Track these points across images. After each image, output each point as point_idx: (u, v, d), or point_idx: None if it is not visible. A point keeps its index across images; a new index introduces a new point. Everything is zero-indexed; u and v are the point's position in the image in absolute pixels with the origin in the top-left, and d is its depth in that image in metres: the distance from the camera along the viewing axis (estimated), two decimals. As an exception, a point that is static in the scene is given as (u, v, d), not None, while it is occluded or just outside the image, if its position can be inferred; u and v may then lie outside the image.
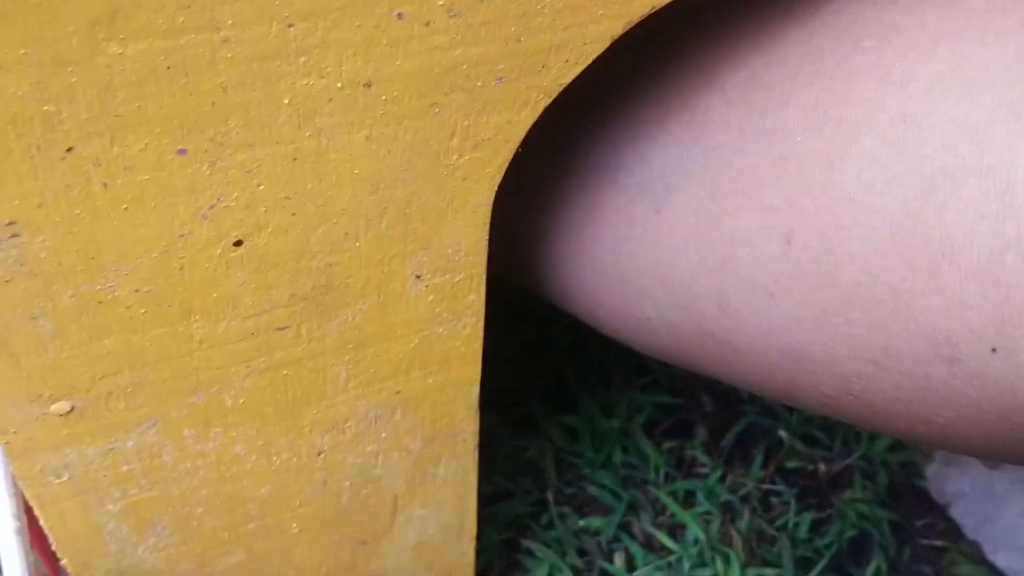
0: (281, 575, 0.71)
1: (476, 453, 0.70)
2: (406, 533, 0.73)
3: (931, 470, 1.04)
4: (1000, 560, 0.97)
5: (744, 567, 0.90)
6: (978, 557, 0.96)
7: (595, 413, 0.99)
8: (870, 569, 0.92)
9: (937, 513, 1.00)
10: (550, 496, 0.95)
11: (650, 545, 0.92)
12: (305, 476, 0.64)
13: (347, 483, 0.66)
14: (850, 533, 0.95)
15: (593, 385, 1.02)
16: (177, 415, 0.55)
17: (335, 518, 0.68)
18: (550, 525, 0.93)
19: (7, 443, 0.52)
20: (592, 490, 0.95)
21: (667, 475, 0.97)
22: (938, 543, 0.97)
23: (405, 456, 0.67)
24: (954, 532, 0.98)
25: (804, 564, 0.92)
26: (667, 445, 0.99)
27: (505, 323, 1.00)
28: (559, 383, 1.03)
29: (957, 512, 1.01)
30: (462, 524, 0.76)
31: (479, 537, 0.86)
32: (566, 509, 0.94)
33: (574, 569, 0.90)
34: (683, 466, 0.98)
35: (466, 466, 0.71)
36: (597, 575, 0.90)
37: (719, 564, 0.90)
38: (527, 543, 0.91)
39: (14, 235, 0.42)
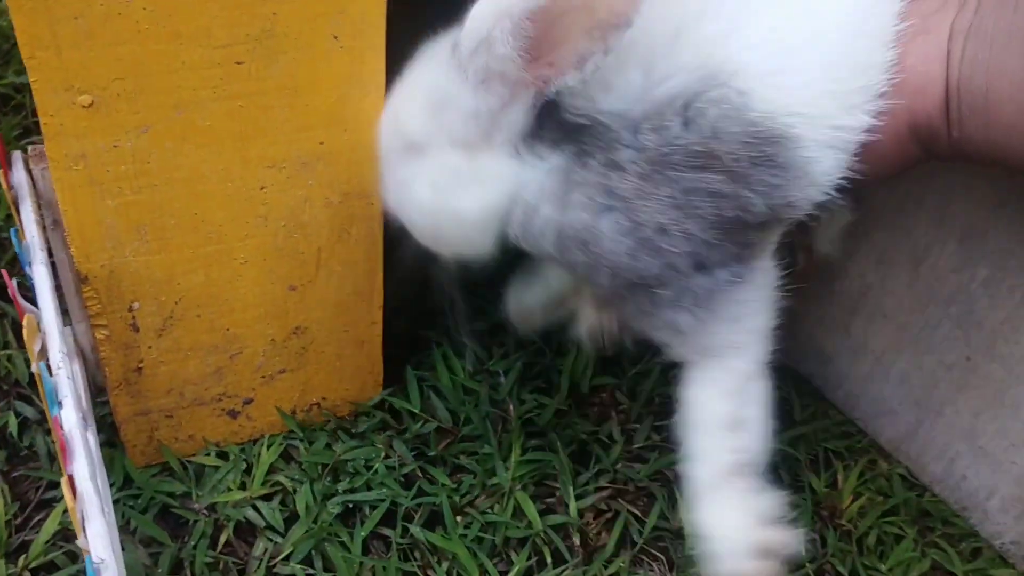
0: (228, 306, 0.93)
1: (382, 220, 0.93)
2: (327, 287, 0.96)
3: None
4: (802, 368, 1.20)
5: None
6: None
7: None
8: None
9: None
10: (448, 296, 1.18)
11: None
12: (250, 209, 0.87)
13: (282, 224, 0.89)
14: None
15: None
16: (163, 127, 0.79)
17: (272, 258, 0.91)
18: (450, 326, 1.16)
19: (46, 124, 0.75)
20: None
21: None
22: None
23: (327, 208, 0.90)
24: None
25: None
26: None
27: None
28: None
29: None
30: (371, 291, 1.00)
31: (392, 328, 1.09)
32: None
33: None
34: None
35: (374, 231, 0.94)
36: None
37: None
38: (430, 334, 1.16)
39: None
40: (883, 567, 1.06)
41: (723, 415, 0.83)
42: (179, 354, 0.95)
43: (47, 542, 0.97)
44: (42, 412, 1.07)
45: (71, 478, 0.71)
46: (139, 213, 0.83)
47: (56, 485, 1.02)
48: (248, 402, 1.02)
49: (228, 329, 0.95)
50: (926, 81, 0.76)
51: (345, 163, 0.88)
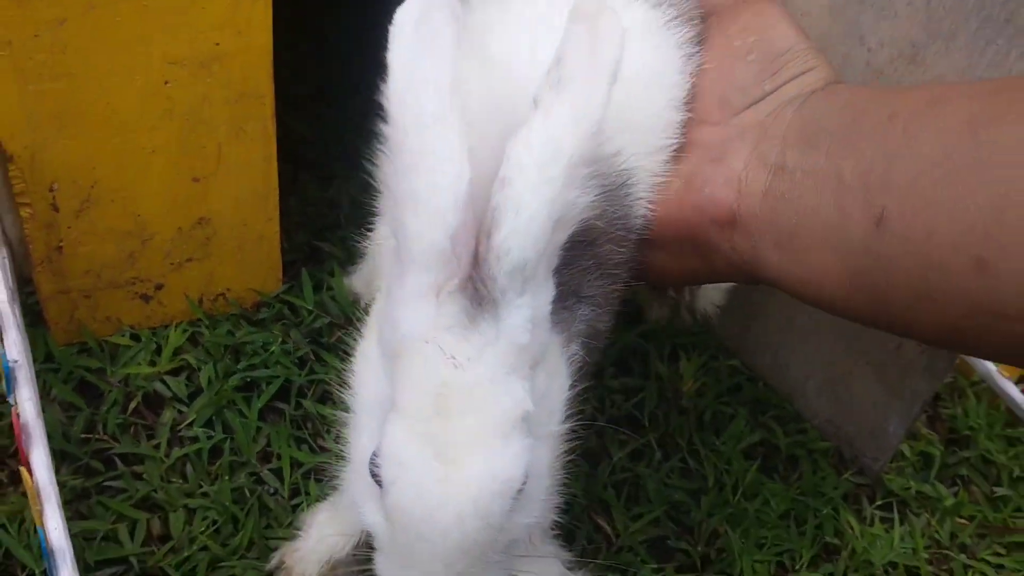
0: (139, 193, 1.07)
1: (274, 120, 1.08)
2: (227, 181, 1.10)
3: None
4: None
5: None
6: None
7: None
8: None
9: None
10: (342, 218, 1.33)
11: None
12: (156, 103, 1.01)
13: (185, 118, 1.03)
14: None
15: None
16: (78, 21, 0.92)
17: (177, 150, 1.05)
18: (344, 239, 1.30)
19: (-24, 11, 0.89)
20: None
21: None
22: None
23: (225, 106, 1.04)
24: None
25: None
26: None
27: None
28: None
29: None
30: (267, 189, 1.14)
31: (290, 239, 1.24)
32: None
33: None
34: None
35: (268, 129, 1.08)
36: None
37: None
38: (325, 246, 1.30)
39: None
40: (717, 441, 1.22)
41: None
42: (96, 236, 1.08)
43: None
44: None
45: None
46: (56, 100, 0.97)
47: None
48: (159, 287, 1.16)
49: (139, 215, 1.08)
50: (711, 203, 0.79)
51: (239, 64, 1.02)
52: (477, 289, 0.63)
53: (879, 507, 1.22)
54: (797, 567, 1.15)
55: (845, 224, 0.70)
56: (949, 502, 1.23)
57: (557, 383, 0.73)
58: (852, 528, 1.19)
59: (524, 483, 0.65)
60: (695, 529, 1.16)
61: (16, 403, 0.82)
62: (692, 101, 0.83)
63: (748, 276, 0.80)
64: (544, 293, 0.67)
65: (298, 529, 1.02)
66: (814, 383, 1.21)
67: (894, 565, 1.17)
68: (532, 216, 0.61)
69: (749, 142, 0.78)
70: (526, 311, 0.64)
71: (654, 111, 0.82)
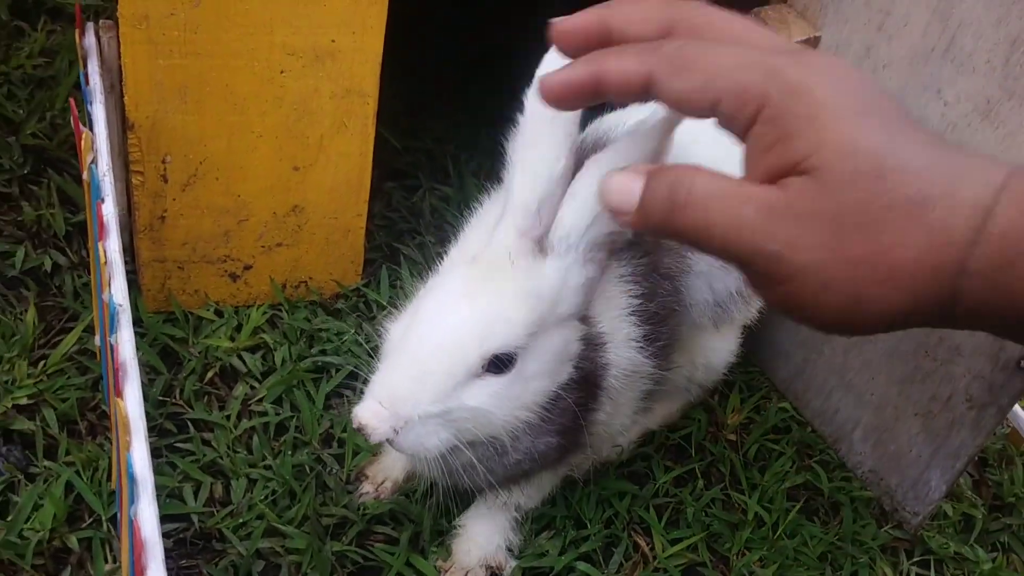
0: (242, 174, 1.14)
1: (375, 120, 1.15)
2: (324, 172, 1.17)
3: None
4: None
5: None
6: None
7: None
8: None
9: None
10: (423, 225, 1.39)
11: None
12: (270, 89, 1.08)
13: (293, 108, 1.11)
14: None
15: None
16: (212, 4, 1.00)
17: (283, 136, 1.12)
18: (422, 245, 1.37)
19: (123, -15, 0.97)
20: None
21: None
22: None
23: (331, 100, 1.11)
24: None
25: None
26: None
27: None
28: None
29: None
30: (360, 184, 1.20)
31: (372, 239, 1.30)
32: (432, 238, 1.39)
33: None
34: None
35: (367, 128, 1.15)
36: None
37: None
38: (404, 249, 1.37)
39: None
40: (761, 478, 1.25)
41: None
42: (197, 210, 1.15)
43: (64, 355, 1.17)
44: (72, 261, 1.28)
45: (105, 250, 0.91)
46: (183, 75, 1.05)
47: (76, 317, 1.22)
48: (248, 268, 1.22)
49: (239, 196, 1.16)
50: None
51: (350, 62, 1.09)
52: (542, 243, 0.87)
53: (916, 563, 1.24)
54: (829, 609, 1.17)
55: None
56: (987, 566, 1.24)
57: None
58: (888, 579, 1.20)
59: (513, 356, 0.88)
60: (730, 560, 1.18)
61: (117, 342, 0.88)
62: None
63: None
64: (576, 270, 0.88)
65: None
66: (861, 430, 1.23)
67: (926, 620, 1.18)
68: (582, 203, 0.84)
69: None
70: (561, 272, 0.87)
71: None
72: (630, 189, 0.56)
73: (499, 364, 0.88)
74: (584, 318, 0.94)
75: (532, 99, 0.85)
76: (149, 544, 0.70)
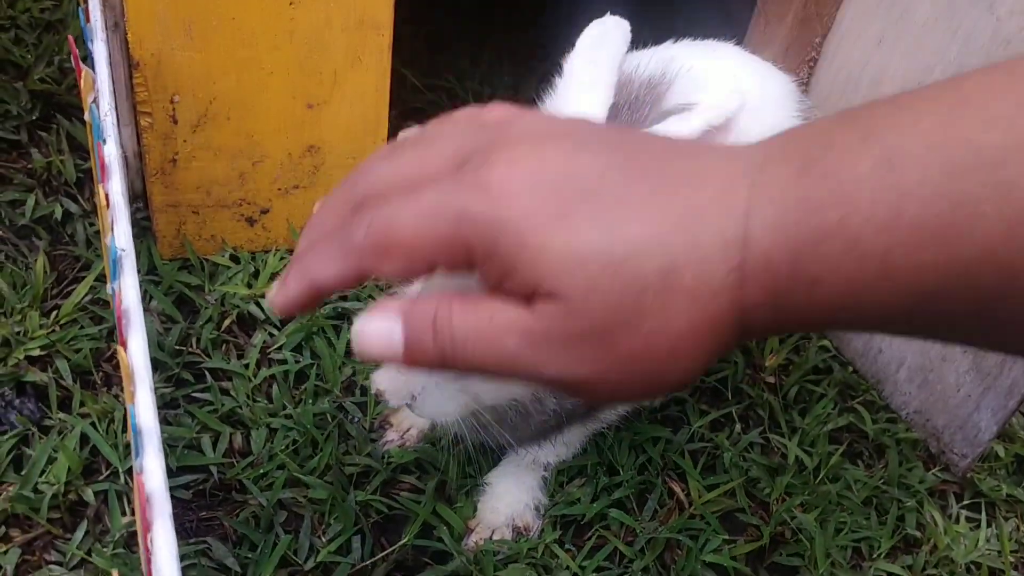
0: (254, 113, 1.09)
1: (390, 53, 1.09)
2: (340, 110, 1.12)
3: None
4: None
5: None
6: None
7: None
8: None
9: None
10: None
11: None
12: (280, 23, 1.03)
13: (304, 42, 1.05)
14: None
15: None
16: (214, -69, 0.95)
17: (295, 73, 1.07)
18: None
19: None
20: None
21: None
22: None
23: (344, 33, 1.06)
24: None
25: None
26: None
27: None
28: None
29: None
30: (377, 121, 1.15)
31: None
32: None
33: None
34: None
35: (383, 62, 1.10)
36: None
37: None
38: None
39: None
40: (802, 421, 1.19)
41: None
42: (209, 152, 1.11)
43: (76, 304, 1.13)
44: (84, 209, 1.24)
45: (108, 195, 0.87)
46: (187, 9, 1.00)
47: (89, 266, 1.18)
48: (264, 212, 1.18)
49: (252, 136, 1.11)
50: None
51: (363, -8, 1.03)
52: None
53: (966, 506, 1.19)
54: (875, 555, 1.12)
55: None
56: (1040, 509, 1.19)
57: None
58: (936, 523, 1.15)
59: None
60: (770, 505, 1.14)
61: (119, 289, 0.84)
62: None
63: None
64: None
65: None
66: (905, 370, 1.18)
67: (977, 565, 1.13)
68: None
69: None
70: None
71: None
72: (388, 335, 0.50)
73: None
74: None
75: (574, 61, 0.85)
76: (155, 498, 0.66)
